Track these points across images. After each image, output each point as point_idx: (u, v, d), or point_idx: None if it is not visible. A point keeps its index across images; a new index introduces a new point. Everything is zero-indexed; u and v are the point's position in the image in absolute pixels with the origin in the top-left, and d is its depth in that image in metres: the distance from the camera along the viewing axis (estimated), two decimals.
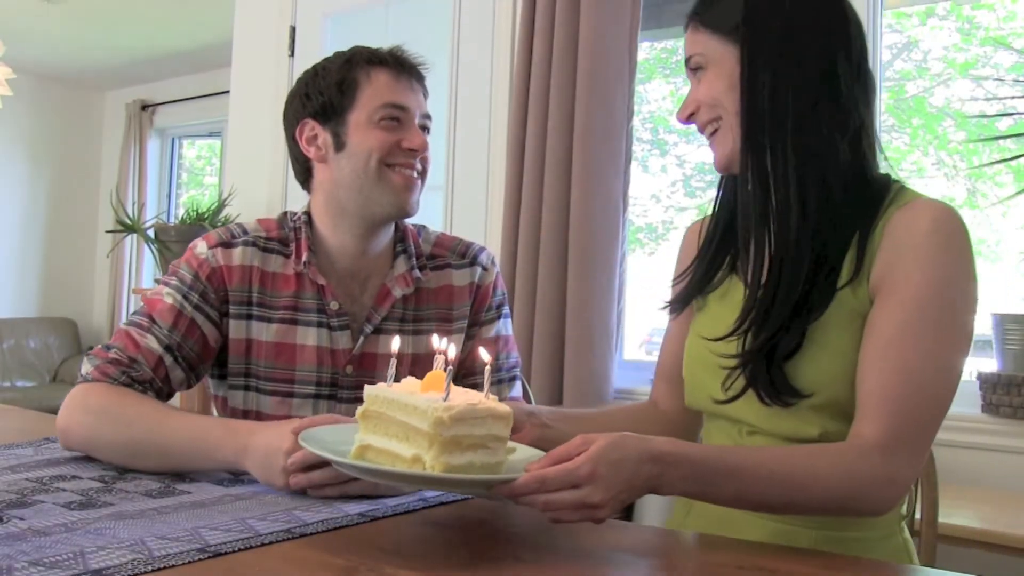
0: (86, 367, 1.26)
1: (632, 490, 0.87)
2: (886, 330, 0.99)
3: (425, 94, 1.36)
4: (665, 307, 1.25)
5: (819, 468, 0.95)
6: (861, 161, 1.07)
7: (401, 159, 1.30)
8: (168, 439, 1.13)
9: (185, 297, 1.29)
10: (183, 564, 0.78)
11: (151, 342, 1.26)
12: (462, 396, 0.87)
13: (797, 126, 1.04)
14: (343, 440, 0.93)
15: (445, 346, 0.91)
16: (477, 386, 1.39)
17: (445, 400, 0.84)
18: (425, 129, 1.34)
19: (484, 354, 0.93)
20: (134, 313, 1.32)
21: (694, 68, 1.11)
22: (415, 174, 1.32)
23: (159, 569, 0.76)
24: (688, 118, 1.13)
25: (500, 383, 1.42)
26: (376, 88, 1.30)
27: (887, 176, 1.09)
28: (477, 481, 0.85)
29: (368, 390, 0.91)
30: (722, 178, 1.18)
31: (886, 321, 1.00)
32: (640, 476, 0.88)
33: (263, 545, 0.85)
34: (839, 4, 1.09)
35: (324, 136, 1.32)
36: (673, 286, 1.26)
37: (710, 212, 1.21)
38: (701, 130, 1.13)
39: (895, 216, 1.02)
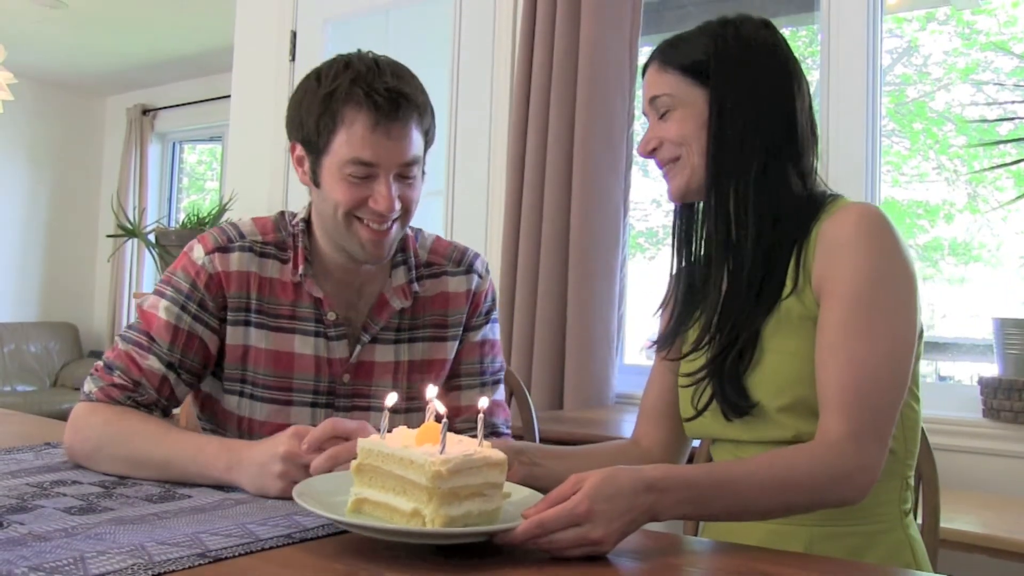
0: (89, 386, 1.26)
1: (632, 522, 0.89)
2: (831, 329, 1.06)
3: (419, 126, 1.24)
4: (652, 346, 1.31)
5: (796, 467, 0.99)
6: (805, 184, 1.15)
7: (369, 215, 1.23)
8: (166, 457, 1.15)
9: (183, 308, 1.27)
10: (183, 569, 0.78)
11: (153, 363, 1.26)
12: (457, 446, 0.87)
13: (761, 170, 1.11)
14: (337, 491, 0.94)
15: (435, 397, 0.91)
16: (460, 388, 1.41)
17: (442, 452, 0.84)
18: (406, 178, 1.24)
19: (482, 401, 0.97)
20: (131, 327, 1.30)
21: (660, 108, 1.17)
22: (386, 226, 1.24)
23: (159, 574, 0.77)
24: (650, 153, 1.19)
25: (484, 386, 1.42)
26: (349, 138, 1.19)
27: (824, 192, 1.16)
28: (478, 533, 0.86)
29: (362, 443, 0.91)
30: (674, 225, 1.24)
31: (830, 320, 1.06)
32: (637, 507, 0.89)
33: (263, 550, 0.85)
34: (790, 51, 1.16)
35: (307, 165, 1.28)
36: (660, 328, 1.31)
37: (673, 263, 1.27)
38: (661, 165, 1.19)
39: (826, 223, 1.10)
